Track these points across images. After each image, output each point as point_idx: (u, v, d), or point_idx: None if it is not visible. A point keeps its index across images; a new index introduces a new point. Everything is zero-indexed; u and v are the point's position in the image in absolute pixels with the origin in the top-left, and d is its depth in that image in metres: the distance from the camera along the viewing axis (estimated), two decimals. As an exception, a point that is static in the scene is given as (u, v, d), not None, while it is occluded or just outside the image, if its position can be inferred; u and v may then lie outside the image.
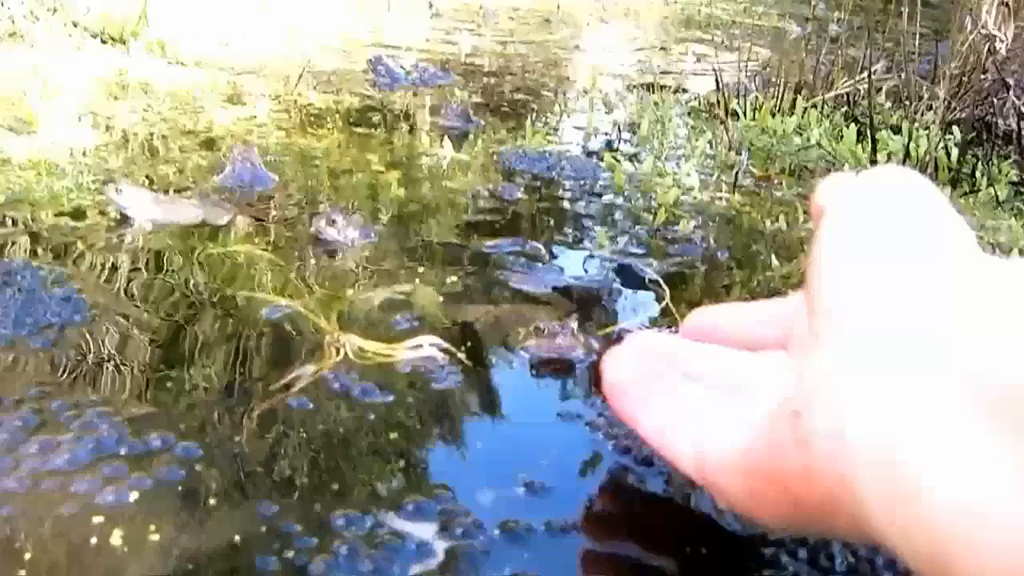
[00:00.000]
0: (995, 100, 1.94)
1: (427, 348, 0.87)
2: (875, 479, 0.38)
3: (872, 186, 0.48)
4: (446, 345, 0.88)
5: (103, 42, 2.42)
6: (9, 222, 1.15)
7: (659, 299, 1.07)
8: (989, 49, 1.88)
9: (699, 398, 0.59)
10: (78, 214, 1.20)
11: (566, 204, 1.45)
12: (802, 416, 0.43)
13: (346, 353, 0.86)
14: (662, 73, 2.86)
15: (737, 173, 1.67)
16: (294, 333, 0.91)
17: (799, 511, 0.46)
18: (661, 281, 1.12)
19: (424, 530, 0.62)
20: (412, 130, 1.89)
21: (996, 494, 0.34)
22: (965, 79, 1.97)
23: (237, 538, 0.60)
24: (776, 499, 0.47)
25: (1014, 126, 1.85)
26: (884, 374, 0.39)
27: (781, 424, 0.45)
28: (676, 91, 2.55)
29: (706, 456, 0.53)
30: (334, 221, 1.15)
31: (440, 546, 0.61)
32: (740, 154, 1.86)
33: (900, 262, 0.43)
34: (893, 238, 0.44)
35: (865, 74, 2.13)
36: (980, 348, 0.36)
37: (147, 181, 1.34)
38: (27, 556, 0.57)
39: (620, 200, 1.48)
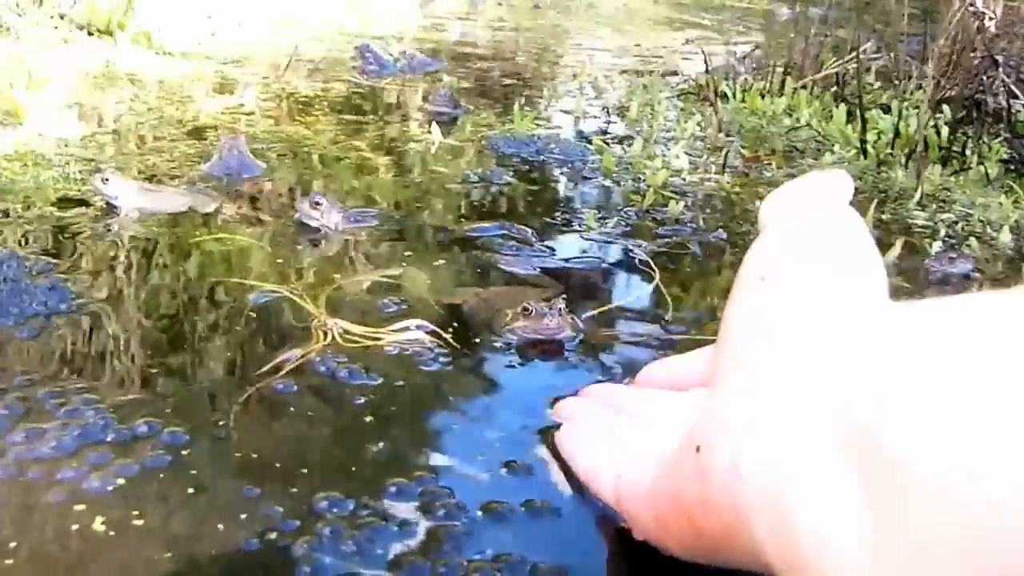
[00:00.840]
0: (984, 78, 1.93)
1: (414, 331, 0.87)
2: (764, 515, 0.40)
3: (799, 226, 0.50)
4: (432, 328, 0.88)
5: (89, 34, 2.41)
6: (-4, 213, 1.15)
7: (648, 280, 1.07)
8: (978, 27, 1.87)
9: (626, 434, 0.63)
10: (64, 204, 1.19)
11: (555, 187, 1.45)
12: (703, 450, 0.45)
13: (333, 337, 0.86)
14: (651, 57, 2.86)
15: (727, 155, 1.66)
16: (281, 318, 0.90)
17: (700, 540, 0.48)
18: (651, 262, 1.12)
19: (406, 511, 0.62)
20: (400, 117, 1.88)
21: (847, 536, 0.36)
22: (955, 57, 1.96)
23: (222, 522, 0.60)
24: (680, 528, 0.49)
25: (1004, 104, 1.84)
26: (771, 415, 0.41)
27: (684, 457, 0.48)
28: (665, 74, 2.55)
29: (621, 486, 0.57)
30: (317, 204, 1.15)
31: (422, 527, 0.61)
32: (730, 136, 1.86)
33: (801, 307, 0.44)
34: (802, 284, 0.46)
35: (854, 54, 2.12)
36: (847, 390, 0.38)
37: (134, 171, 1.34)
38: (13, 544, 0.57)
39: (609, 183, 1.48)
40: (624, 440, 0.63)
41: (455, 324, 0.91)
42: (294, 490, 0.63)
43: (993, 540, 0.32)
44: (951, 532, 0.32)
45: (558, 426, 0.71)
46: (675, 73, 2.58)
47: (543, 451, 0.70)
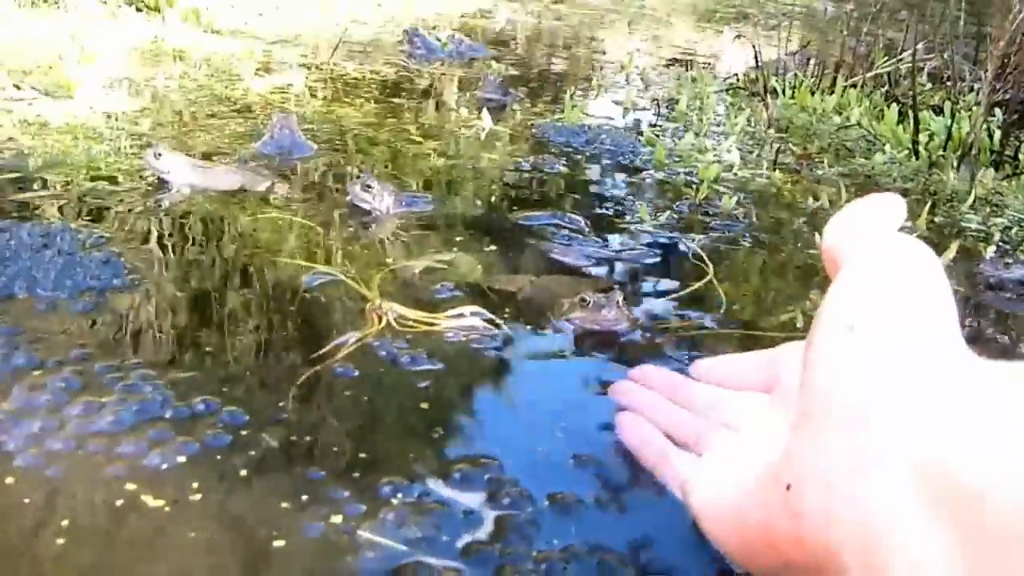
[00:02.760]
0: (1040, 82, 1.91)
1: (469, 318, 0.86)
2: (855, 554, 0.42)
3: (882, 262, 0.50)
4: (489, 315, 0.87)
5: (138, 10, 2.42)
6: (47, 185, 1.14)
7: (702, 274, 1.05)
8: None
9: (692, 435, 0.65)
10: (116, 178, 1.19)
11: (606, 178, 1.44)
12: (793, 490, 0.47)
13: (388, 321, 0.85)
14: (699, 50, 2.84)
15: (778, 151, 1.65)
16: (336, 301, 0.90)
17: (788, 568, 0.49)
18: (705, 256, 1.10)
19: (472, 499, 0.61)
20: (450, 102, 1.88)
21: None
22: (1010, 60, 1.94)
23: (284, 504, 0.59)
24: (767, 555, 0.51)
25: (1059, 109, 1.82)
26: (865, 463, 0.43)
27: (772, 492, 0.49)
28: (713, 68, 2.53)
29: (695, 498, 0.58)
30: (369, 187, 1.14)
31: (489, 516, 0.60)
32: (780, 132, 1.84)
33: (890, 355, 0.45)
34: (891, 329, 0.46)
35: (906, 54, 2.10)
36: (943, 446, 0.40)
37: (185, 147, 1.34)
38: (72, 517, 0.56)
39: (661, 175, 1.47)
40: (691, 440, 0.65)
41: (511, 313, 0.90)
42: (356, 474, 0.63)
43: None
44: None
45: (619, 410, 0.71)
46: (711, 66, 2.56)
47: (609, 442, 0.69)
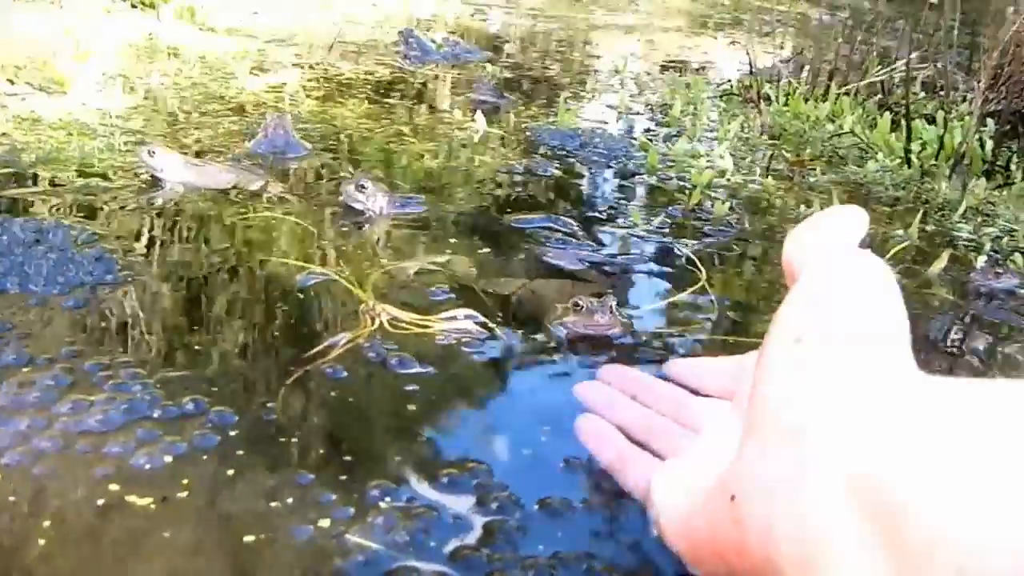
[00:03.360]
0: (1032, 93, 1.91)
1: (462, 320, 0.86)
2: (794, 568, 0.42)
3: (829, 279, 0.50)
4: (482, 318, 0.87)
5: (133, 6, 2.41)
6: (40, 182, 1.14)
7: (695, 280, 1.05)
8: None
9: (654, 439, 0.66)
10: (109, 175, 1.19)
11: (600, 182, 1.44)
12: (737, 501, 0.47)
13: (381, 323, 0.85)
14: (693, 57, 2.84)
15: (771, 158, 1.65)
16: (328, 301, 0.90)
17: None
18: (697, 261, 1.10)
19: (460, 504, 0.61)
20: (444, 104, 1.88)
21: None
22: (1003, 70, 1.94)
23: (272, 505, 0.59)
24: (714, 563, 0.51)
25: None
26: (805, 477, 0.43)
27: (719, 502, 0.49)
28: (707, 73, 2.53)
29: (652, 498, 0.59)
30: (363, 187, 1.14)
31: (477, 521, 0.60)
32: (773, 139, 1.85)
33: (833, 368, 0.45)
34: (837, 343, 0.46)
35: (900, 63, 2.11)
36: (882, 463, 0.40)
37: (178, 145, 1.33)
38: (59, 516, 0.56)
39: (654, 180, 1.47)
40: (653, 441, 0.66)
41: (504, 316, 0.90)
42: (344, 477, 0.63)
43: None
44: None
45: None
46: (704, 72, 2.56)
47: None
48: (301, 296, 0.90)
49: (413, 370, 0.78)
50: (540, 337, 0.87)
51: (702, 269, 1.08)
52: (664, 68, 2.58)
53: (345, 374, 0.76)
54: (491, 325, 0.86)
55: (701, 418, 0.65)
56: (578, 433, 0.69)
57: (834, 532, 0.40)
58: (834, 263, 0.50)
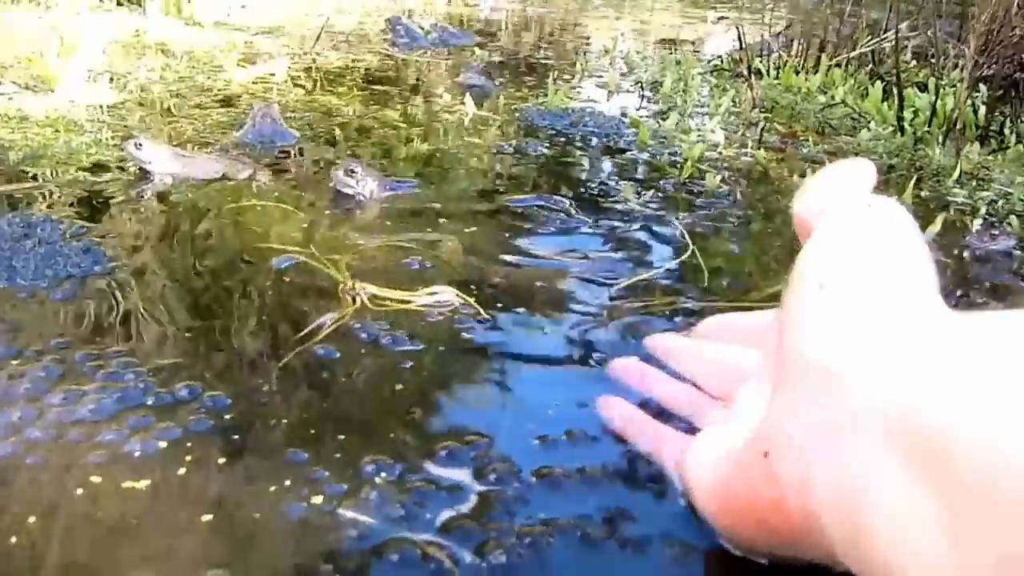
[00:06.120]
0: (1023, 57, 1.90)
1: (444, 295, 0.86)
2: (835, 517, 0.42)
3: (848, 224, 0.50)
4: (460, 296, 0.86)
5: (119, 3, 2.40)
6: (28, 178, 1.14)
7: (685, 250, 1.05)
8: (1019, 4, 1.84)
9: (688, 409, 0.67)
10: (98, 169, 1.19)
11: (591, 160, 1.43)
12: (771, 456, 0.46)
13: (362, 301, 0.84)
14: (684, 35, 2.84)
15: (763, 130, 1.64)
16: (312, 284, 0.89)
17: (772, 538, 0.49)
18: (687, 234, 1.10)
19: (457, 476, 0.61)
20: (433, 88, 1.87)
21: (923, 539, 0.36)
22: (993, 36, 1.93)
23: (265, 485, 0.59)
24: (751, 526, 0.50)
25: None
26: (839, 424, 0.42)
27: (752, 461, 0.48)
28: (697, 50, 2.53)
29: (687, 472, 0.58)
30: (352, 172, 1.14)
31: (473, 492, 0.59)
32: (765, 111, 1.84)
33: (861, 311, 0.44)
34: (862, 286, 0.46)
35: (889, 33, 2.10)
36: (919, 401, 0.38)
37: (167, 138, 1.33)
38: (54, 505, 0.56)
39: (645, 156, 1.46)
40: (687, 412, 0.66)
41: (494, 293, 0.90)
42: (339, 455, 0.62)
43: None
44: None
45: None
46: (698, 50, 2.56)
47: (597, 417, 0.68)
48: (287, 280, 0.90)
49: (405, 348, 0.77)
50: (532, 314, 0.87)
51: (690, 240, 1.08)
52: (654, 46, 2.57)
53: (337, 355, 0.75)
54: (469, 300, 0.86)
55: (734, 381, 0.64)
56: (603, 416, 0.68)
57: (875, 475, 0.39)
58: (852, 210, 0.50)
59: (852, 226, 0.49)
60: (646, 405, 0.69)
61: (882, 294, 0.45)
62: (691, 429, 0.64)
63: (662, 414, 0.68)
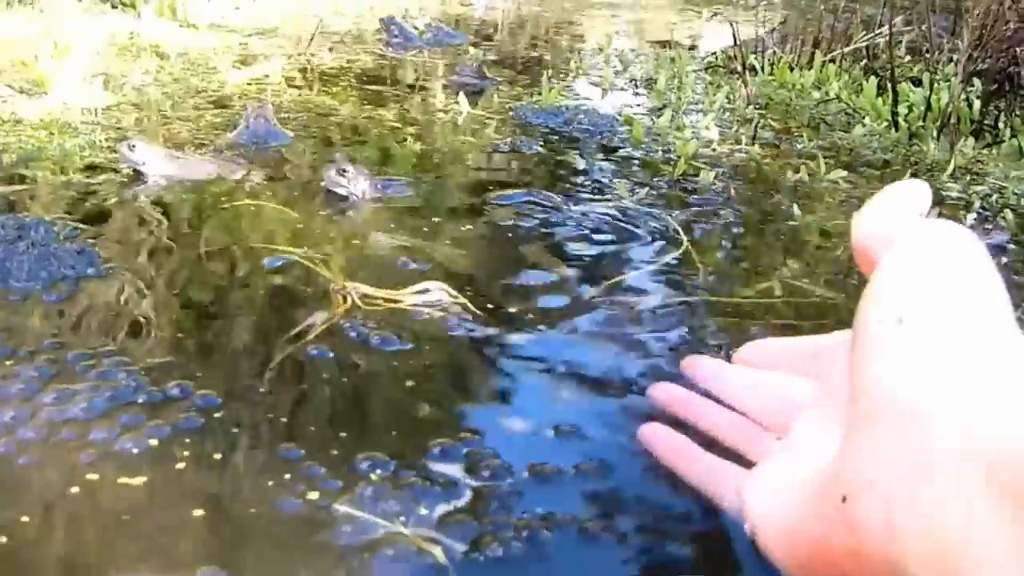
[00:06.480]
0: (1017, 50, 1.90)
1: (435, 292, 0.86)
2: (924, 567, 0.39)
3: (925, 250, 0.47)
4: (453, 291, 0.86)
5: (113, 6, 2.40)
6: (22, 180, 1.14)
7: (679, 246, 1.05)
8: (1012, -1, 1.85)
9: (742, 442, 0.62)
10: (91, 171, 1.18)
11: (584, 157, 1.43)
12: (849, 501, 0.43)
13: (353, 300, 0.84)
14: (678, 33, 2.84)
15: (757, 126, 1.65)
16: (303, 283, 0.89)
17: None
18: (680, 230, 1.10)
19: (451, 472, 0.61)
20: (427, 88, 1.87)
21: None
22: (986, 30, 1.93)
23: (259, 482, 0.59)
24: (821, 570, 0.47)
25: (1037, 77, 1.82)
26: (925, 465, 0.39)
27: (827, 505, 0.46)
28: (692, 48, 2.53)
29: (751, 511, 0.54)
30: (344, 171, 1.14)
31: (468, 487, 0.59)
32: (759, 108, 1.84)
33: (946, 348, 0.42)
34: (944, 319, 0.43)
35: (883, 28, 2.10)
36: (1012, 437, 0.36)
37: (161, 139, 1.33)
38: (45, 504, 0.56)
39: (639, 153, 1.46)
40: (740, 445, 0.62)
41: (486, 291, 0.90)
42: (335, 452, 0.62)
43: None
44: None
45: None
46: (695, 47, 2.56)
47: (590, 413, 0.68)
48: (280, 279, 0.90)
49: (397, 347, 0.77)
50: (523, 311, 0.87)
51: (684, 236, 1.08)
52: (648, 44, 2.57)
53: (330, 354, 0.75)
54: (461, 298, 0.86)
55: (788, 412, 0.61)
56: (648, 446, 0.64)
57: (975, 525, 0.37)
58: (918, 237, 0.47)
59: (923, 255, 0.46)
60: (686, 430, 0.67)
61: (965, 327, 0.42)
62: (740, 460, 0.62)
63: (707, 443, 0.66)
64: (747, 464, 0.59)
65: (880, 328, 0.44)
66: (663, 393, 0.70)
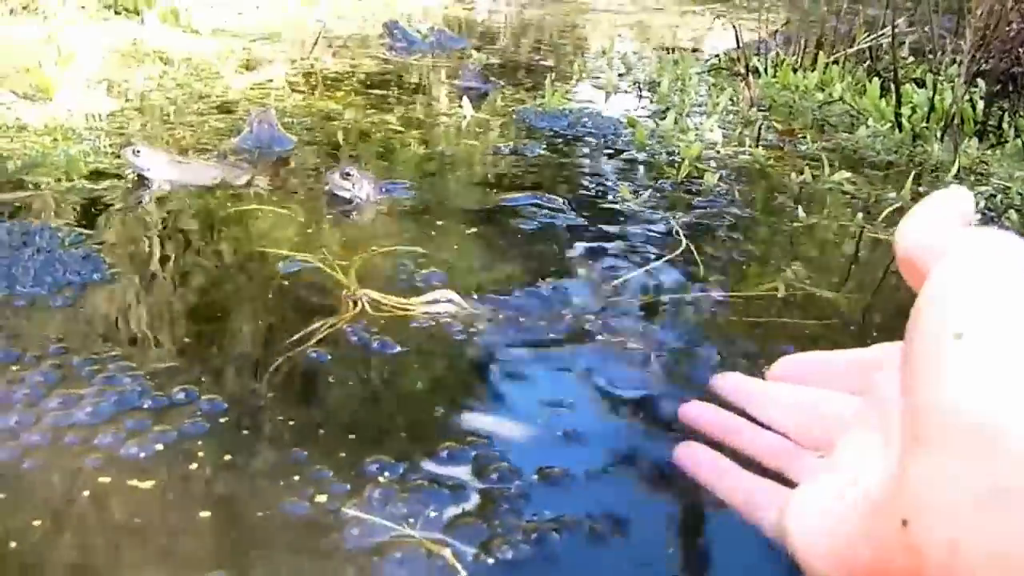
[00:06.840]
0: (1021, 51, 1.90)
1: (444, 303, 0.86)
2: None
3: (977, 260, 0.45)
4: (461, 300, 0.86)
5: (116, 13, 2.41)
6: (26, 186, 1.14)
7: (683, 247, 1.05)
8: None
9: (783, 463, 0.59)
10: (96, 177, 1.18)
11: (588, 160, 1.43)
12: (911, 525, 0.40)
13: (363, 307, 0.84)
14: (682, 36, 2.84)
15: (760, 128, 1.64)
16: (311, 288, 0.89)
17: None
18: (683, 230, 1.10)
19: (459, 475, 0.61)
20: (430, 92, 1.87)
21: None
22: (990, 30, 1.93)
23: (268, 485, 0.58)
24: None
25: (1041, 77, 1.82)
26: (994, 487, 0.37)
27: (884, 528, 0.42)
28: (695, 50, 2.53)
29: (793, 535, 0.53)
30: (348, 175, 1.14)
31: (476, 490, 0.59)
32: (763, 110, 1.84)
33: (1010, 363, 0.38)
34: (1005, 333, 0.42)
35: (887, 29, 2.10)
36: None
37: (165, 144, 1.33)
38: (52, 507, 0.56)
39: (643, 156, 1.46)
40: (781, 465, 0.61)
41: (489, 295, 0.89)
42: (342, 455, 0.62)
43: None
44: None
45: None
46: (698, 49, 2.56)
47: (595, 418, 0.68)
48: (285, 284, 0.90)
49: (405, 351, 0.77)
50: (528, 314, 0.87)
51: (684, 237, 1.08)
52: (651, 47, 2.57)
53: (334, 358, 0.75)
54: (471, 306, 0.86)
55: (831, 430, 0.61)
56: (685, 466, 0.65)
57: None
58: (975, 247, 0.47)
59: (979, 266, 0.45)
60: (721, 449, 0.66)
61: None
62: (779, 479, 0.61)
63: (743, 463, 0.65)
64: (787, 483, 0.58)
65: (937, 345, 0.43)
66: (694, 414, 0.69)
